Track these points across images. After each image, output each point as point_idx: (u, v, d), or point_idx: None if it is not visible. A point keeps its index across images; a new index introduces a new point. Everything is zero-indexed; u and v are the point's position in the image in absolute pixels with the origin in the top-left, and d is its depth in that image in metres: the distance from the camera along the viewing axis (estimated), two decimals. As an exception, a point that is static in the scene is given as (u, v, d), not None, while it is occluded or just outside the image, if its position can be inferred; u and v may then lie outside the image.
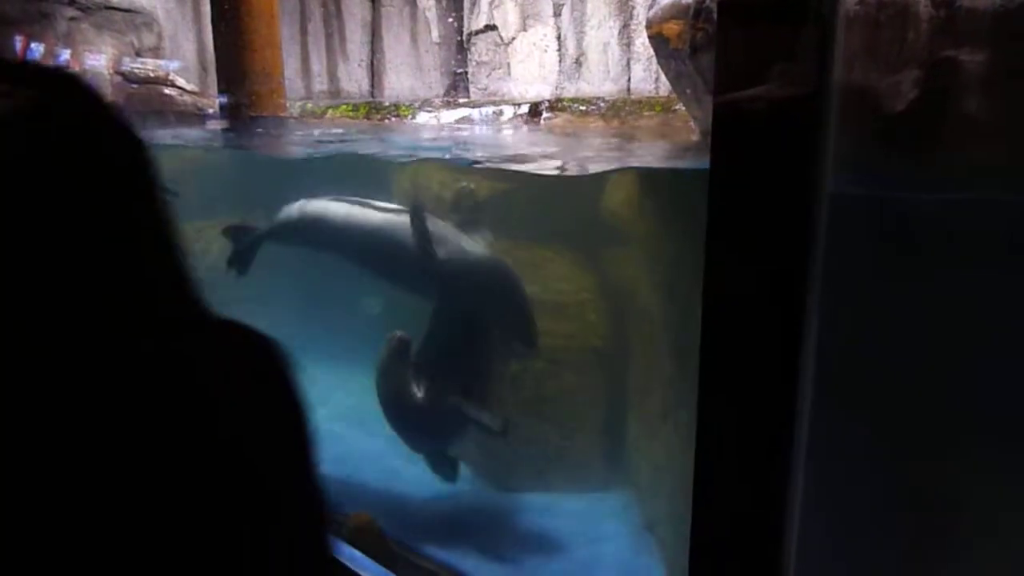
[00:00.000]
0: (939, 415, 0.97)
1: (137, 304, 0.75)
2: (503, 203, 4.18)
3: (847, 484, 1.04)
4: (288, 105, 5.50)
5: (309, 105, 6.34)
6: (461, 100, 6.38)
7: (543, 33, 6.35)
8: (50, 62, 5.67)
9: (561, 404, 3.96)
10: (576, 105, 5.16)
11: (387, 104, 6.13)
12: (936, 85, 0.98)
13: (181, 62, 6.54)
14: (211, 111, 5.87)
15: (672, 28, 2.94)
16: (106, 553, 0.68)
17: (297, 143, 5.49)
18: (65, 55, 5.79)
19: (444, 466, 3.71)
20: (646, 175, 3.74)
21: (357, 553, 2.61)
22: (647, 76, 5.87)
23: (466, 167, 4.63)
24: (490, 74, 6.59)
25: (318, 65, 7.12)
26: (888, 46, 1.04)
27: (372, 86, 7.19)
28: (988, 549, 0.99)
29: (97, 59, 5.94)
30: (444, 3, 6.92)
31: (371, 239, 3.68)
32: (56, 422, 0.67)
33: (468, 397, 3.49)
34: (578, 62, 6.21)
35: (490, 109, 5.53)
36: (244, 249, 4.09)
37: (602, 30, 6.05)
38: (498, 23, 6.49)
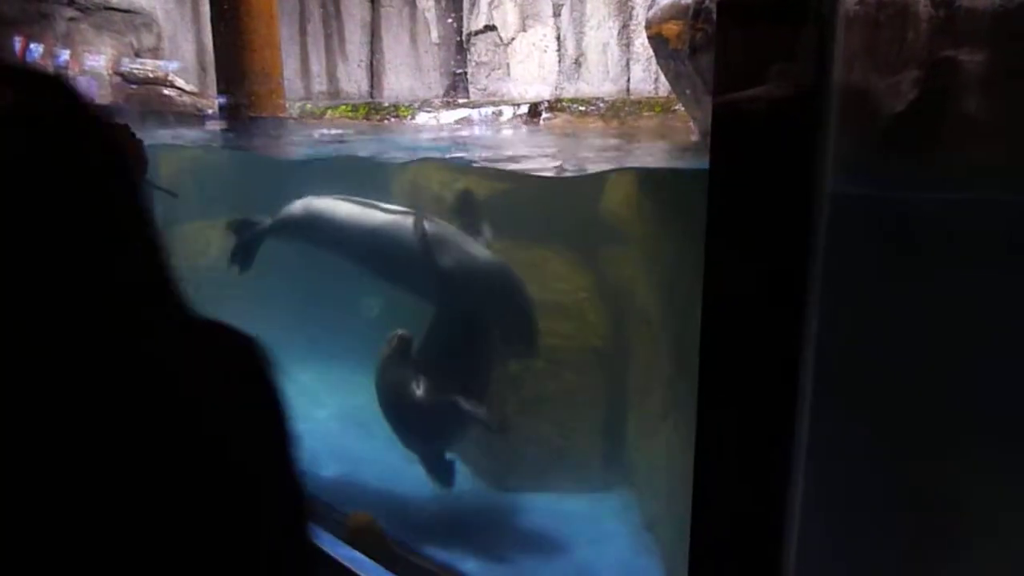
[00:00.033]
0: (939, 415, 0.97)
1: (120, 304, 0.75)
2: (502, 203, 4.18)
3: (847, 484, 1.04)
4: (287, 106, 5.50)
5: (308, 106, 6.34)
6: (460, 101, 6.38)
7: (542, 33, 6.35)
8: (49, 62, 5.67)
9: (561, 404, 3.95)
10: (575, 105, 5.17)
11: (386, 105, 6.14)
12: (936, 85, 0.98)
13: (180, 63, 6.54)
14: (210, 112, 5.87)
15: (671, 28, 2.94)
16: (90, 548, 0.69)
17: (296, 144, 5.49)
18: (64, 56, 5.79)
19: (440, 469, 3.69)
20: (645, 175, 3.74)
21: (357, 554, 2.61)
22: (646, 76, 5.87)
23: (465, 167, 4.63)
24: (489, 74, 6.60)
25: (317, 66, 7.12)
26: (888, 46, 1.04)
27: (371, 87, 7.19)
28: (988, 549, 0.99)
29: (96, 60, 5.94)
30: (443, 4, 6.92)
31: (374, 239, 3.68)
32: (39, 421, 0.68)
33: (467, 395, 3.49)
34: (577, 62, 6.21)
35: (489, 109, 5.54)
36: (247, 244, 4.08)
37: (601, 30, 6.06)
38: (497, 23, 6.49)
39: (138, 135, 1.67)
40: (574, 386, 3.96)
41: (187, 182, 5.40)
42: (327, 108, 6.19)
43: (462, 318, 3.63)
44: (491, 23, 6.51)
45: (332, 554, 2.56)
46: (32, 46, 5.57)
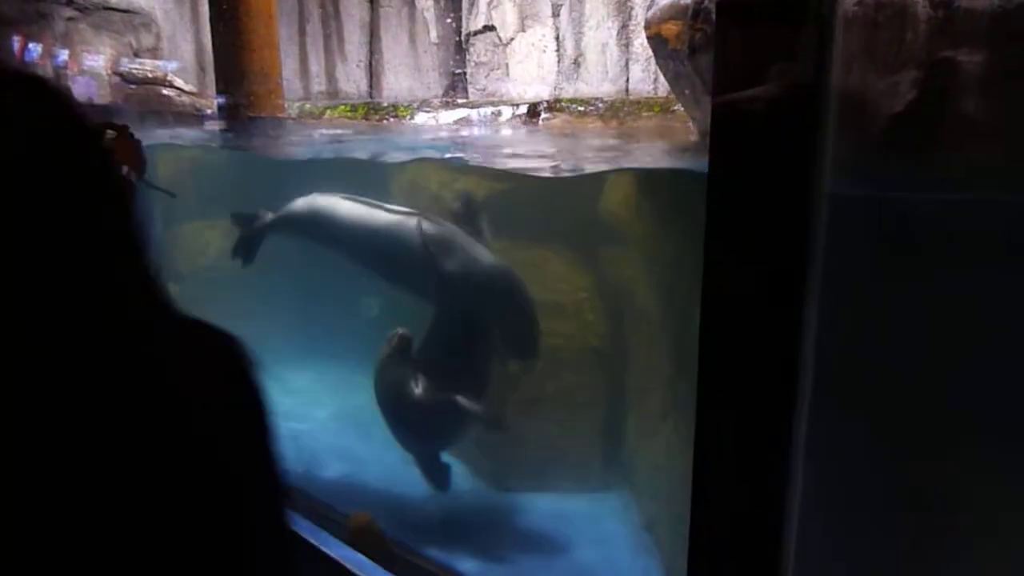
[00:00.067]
0: (938, 415, 0.98)
1: (103, 303, 0.75)
2: (501, 203, 4.18)
3: (846, 484, 1.04)
4: (286, 106, 5.50)
5: (307, 106, 6.34)
6: (459, 101, 6.38)
7: (541, 34, 6.35)
8: (47, 62, 5.66)
9: (560, 404, 3.95)
10: (574, 106, 5.17)
11: (385, 105, 6.13)
12: (934, 86, 0.98)
13: (179, 62, 6.53)
14: (209, 112, 5.86)
15: (671, 29, 2.94)
16: (71, 541, 0.69)
17: (295, 144, 5.49)
18: (63, 55, 5.78)
19: (437, 471, 3.69)
20: (644, 175, 3.75)
21: (356, 554, 2.60)
22: (645, 77, 5.88)
23: (464, 167, 4.63)
24: (488, 75, 6.60)
25: (316, 66, 7.12)
26: (886, 47, 1.04)
27: (370, 87, 7.19)
28: (987, 549, 0.99)
29: (95, 60, 5.94)
30: (442, 3, 6.92)
31: (377, 239, 3.68)
32: (22, 418, 0.68)
33: (465, 393, 3.49)
34: (576, 63, 6.21)
35: (488, 110, 5.54)
36: (250, 238, 4.08)
37: (600, 31, 6.06)
38: (496, 24, 6.49)
39: (137, 135, 1.67)
40: (574, 386, 3.97)
41: (186, 182, 5.40)
42: (326, 108, 6.19)
43: (463, 319, 3.63)
44: (490, 23, 6.51)
45: (331, 554, 2.56)
46: (31, 46, 5.57)
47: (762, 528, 1.01)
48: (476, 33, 6.61)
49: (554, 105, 5.23)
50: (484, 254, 3.56)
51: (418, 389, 3.53)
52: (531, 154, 4.72)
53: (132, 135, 1.65)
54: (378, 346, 3.72)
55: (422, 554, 3.28)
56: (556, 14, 6.31)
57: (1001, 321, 0.92)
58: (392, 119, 5.79)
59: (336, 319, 5.00)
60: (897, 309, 0.97)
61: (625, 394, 3.97)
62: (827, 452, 1.01)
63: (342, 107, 6.15)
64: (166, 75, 6.07)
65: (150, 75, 6.01)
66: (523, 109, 5.30)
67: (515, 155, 4.77)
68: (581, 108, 5.11)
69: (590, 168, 4.28)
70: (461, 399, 3.44)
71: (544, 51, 6.33)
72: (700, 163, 1.02)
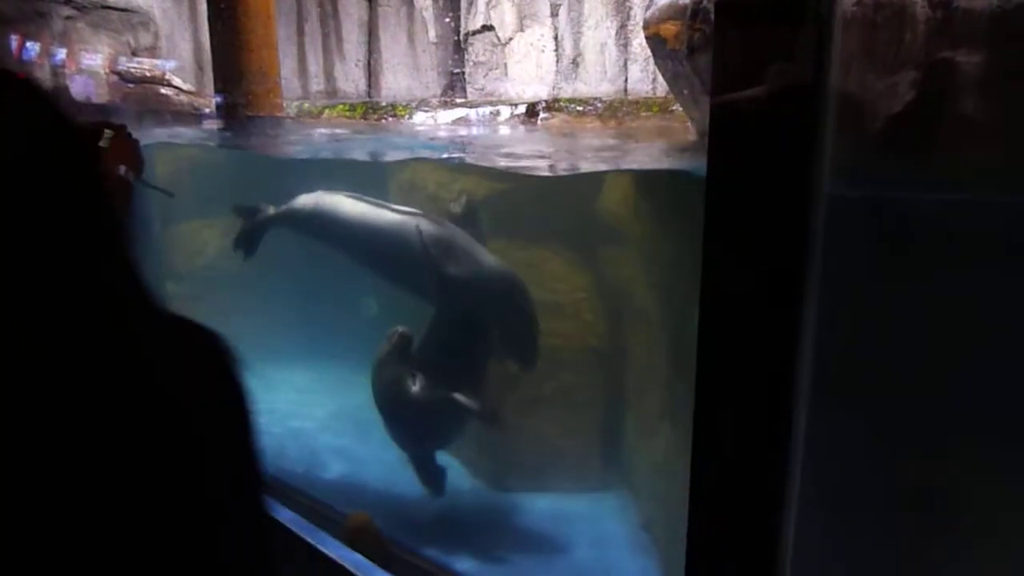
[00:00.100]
0: (936, 415, 0.98)
1: (87, 301, 0.75)
2: (500, 203, 4.18)
3: (844, 484, 1.04)
4: (285, 105, 5.49)
5: (306, 105, 6.33)
6: (458, 100, 6.38)
7: (540, 33, 6.35)
8: (45, 61, 5.65)
9: (559, 404, 3.96)
10: (573, 105, 5.17)
11: (384, 104, 6.13)
12: (933, 86, 0.98)
13: (177, 61, 6.52)
14: (207, 111, 5.86)
15: (669, 29, 2.94)
16: (56, 534, 0.70)
17: (294, 143, 5.48)
18: (61, 54, 5.77)
19: (432, 474, 3.68)
20: (643, 175, 3.75)
21: (355, 554, 2.60)
22: (644, 77, 5.88)
23: (463, 167, 4.63)
24: (487, 74, 6.59)
25: (315, 65, 7.11)
26: (885, 47, 1.04)
27: (369, 86, 7.18)
28: (986, 549, 0.99)
29: (93, 59, 5.93)
30: (441, 3, 6.92)
31: (378, 238, 3.67)
32: (4, 411, 0.68)
33: (462, 390, 3.49)
34: (575, 62, 6.21)
35: (487, 109, 5.53)
36: (251, 230, 4.07)
37: (599, 30, 6.06)
38: (495, 23, 6.49)
39: (135, 135, 1.67)
40: (572, 386, 3.97)
41: (184, 181, 5.39)
42: (324, 107, 6.18)
43: (462, 321, 3.63)
44: (489, 23, 6.51)
45: (329, 554, 2.56)
46: (28, 45, 5.56)
47: (760, 528, 1.01)
48: (475, 33, 6.60)
49: (552, 105, 5.23)
50: (485, 256, 3.56)
51: (415, 387, 3.53)
52: (529, 154, 4.72)
53: (130, 135, 1.64)
54: (377, 344, 3.72)
55: (420, 554, 3.28)
56: (555, 14, 6.31)
57: (999, 321, 0.92)
58: (390, 119, 5.78)
59: (336, 319, 5.00)
60: (895, 309, 0.97)
61: (624, 394, 3.97)
62: (825, 452, 1.01)
63: (340, 106, 6.14)
64: (164, 74, 6.06)
65: (148, 74, 6.00)
66: (522, 109, 5.30)
67: (514, 155, 4.76)
68: (579, 108, 5.11)
69: (588, 168, 4.28)
70: (457, 397, 3.44)
71: (543, 51, 6.33)
72: (698, 163, 1.02)
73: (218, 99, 5.21)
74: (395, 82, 7.10)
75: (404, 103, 6.07)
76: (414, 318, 3.73)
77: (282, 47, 5.46)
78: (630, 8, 5.86)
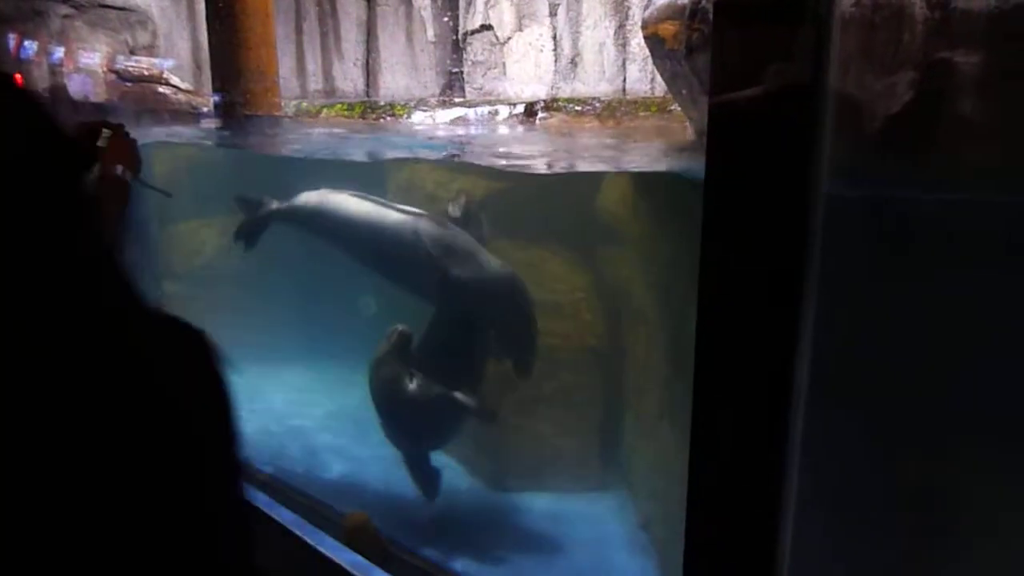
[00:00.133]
0: (934, 415, 0.98)
1: (71, 299, 0.76)
2: (499, 202, 4.18)
3: (842, 484, 1.04)
4: (283, 104, 5.48)
5: (304, 104, 6.32)
6: (457, 100, 6.38)
7: (539, 33, 6.35)
8: (43, 60, 5.64)
9: (558, 404, 3.96)
10: (571, 105, 5.16)
11: (382, 103, 6.12)
12: (931, 86, 0.98)
13: (176, 60, 6.51)
14: (206, 110, 5.85)
15: (668, 29, 2.94)
16: (41, 527, 0.70)
17: (292, 142, 5.48)
18: (59, 53, 5.76)
19: (425, 474, 3.68)
20: (642, 175, 3.75)
21: (353, 554, 2.60)
22: (643, 76, 5.87)
23: (461, 166, 4.62)
24: (486, 74, 6.59)
25: (313, 64, 7.10)
26: (884, 48, 1.04)
27: (367, 85, 7.18)
28: (984, 549, 0.99)
29: (91, 57, 5.91)
30: (440, 2, 6.91)
31: (380, 237, 3.67)
32: None
33: (460, 388, 3.49)
34: (574, 62, 6.21)
35: (486, 109, 5.53)
36: (252, 224, 4.06)
37: (598, 30, 6.06)
38: (494, 23, 6.48)
39: (132, 134, 1.67)
40: (571, 386, 3.97)
41: (182, 180, 5.39)
42: (323, 107, 6.17)
43: (462, 320, 3.63)
44: (487, 22, 6.50)
45: (327, 554, 2.56)
46: (26, 43, 5.54)
47: (759, 528, 1.01)
48: (473, 32, 6.60)
49: (551, 104, 5.23)
50: (485, 257, 3.56)
51: (412, 385, 3.53)
52: (528, 153, 4.72)
53: (128, 134, 1.64)
54: (376, 343, 3.72)
55: (418, 554, 3.28)
56: (553, 13, 6.31)
57: (998, 321, 0.93)
58: (389, 118, 5.78)
59: (335, 318, 5.00)
60: (894, 309, 0.97)
61: (622, 394, 3.97)
62: (824, 452, 1.01)
63: (339, 106, 6.13)
64: (162, 73, 6.05)
65: (146, 73, 5.99)
66: (520, 108, 5.29)
67: (512, 154, 4.76)
68: (578, 108, 5.11)
69: (587, 168, 4.28)
70: (455, 395, 3.44)
71: (541, 50, 6.33)
72: (697, 163, 1.02)
73: (216, 98, 5.20)
74: (393, 81, 7.09)
75: (402, 102, 6.06)
76: (414, 318, 3.73)
77: (280, 46, 5.46)
78: (628, 8, 5.86)
